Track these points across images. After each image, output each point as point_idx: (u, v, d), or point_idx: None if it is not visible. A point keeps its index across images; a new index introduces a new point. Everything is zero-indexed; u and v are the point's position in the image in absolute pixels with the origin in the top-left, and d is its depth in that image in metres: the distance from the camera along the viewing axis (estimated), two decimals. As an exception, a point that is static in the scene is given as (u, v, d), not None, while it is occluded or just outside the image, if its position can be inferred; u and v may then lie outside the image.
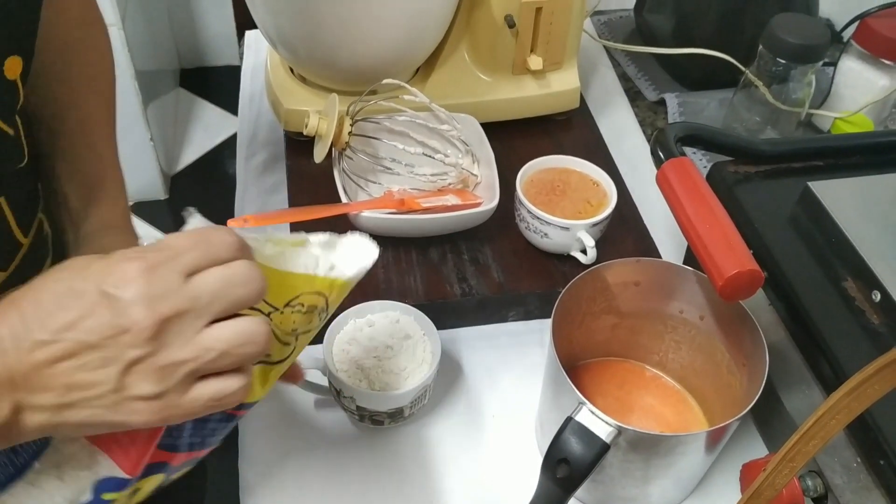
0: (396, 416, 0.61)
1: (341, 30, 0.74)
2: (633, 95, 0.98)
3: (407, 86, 0.73)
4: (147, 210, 1.97)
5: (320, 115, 0.70)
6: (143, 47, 1.85)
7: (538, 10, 0.79)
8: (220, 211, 2.11)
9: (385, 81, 0.74)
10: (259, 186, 0.84)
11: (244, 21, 2.54)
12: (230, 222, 0.62)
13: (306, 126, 0.70)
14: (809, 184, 0.62)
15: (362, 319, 0.64)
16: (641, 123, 0.94)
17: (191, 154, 2.13)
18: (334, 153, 0.72)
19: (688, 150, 0.78)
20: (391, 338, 0.63)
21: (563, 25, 0.82)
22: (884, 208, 0.61)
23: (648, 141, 0.92)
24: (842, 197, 0.61)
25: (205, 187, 2.07)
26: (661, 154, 0.60)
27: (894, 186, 0.63)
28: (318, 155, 0.71)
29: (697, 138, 0.63)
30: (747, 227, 0.62)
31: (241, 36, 2.44)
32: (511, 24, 0.79)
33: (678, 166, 0.56)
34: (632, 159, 0.87)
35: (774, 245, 0.61)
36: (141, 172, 1.93)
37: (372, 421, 0.62)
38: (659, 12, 1.02)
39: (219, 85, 2.34)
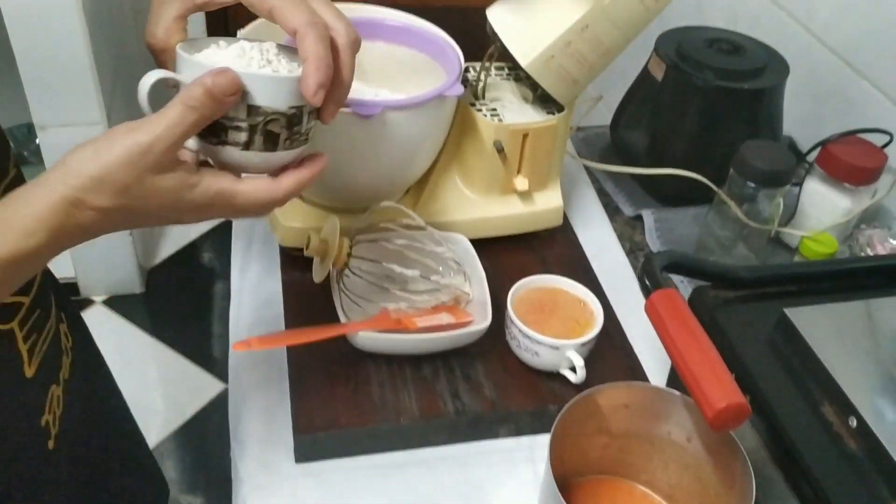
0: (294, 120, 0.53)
1: (337, 158, 0.77)
2: (612, 211, 1.03)
3: (405, 209, 0.77)
4: (123, 304, 1.97)
5: (321, 237, 0.73)
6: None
7: (525, 136, 0.84)
8: (198, 304, 2.11)
9: (383, 204, 0.78)
10: (254, 299, 0.86)
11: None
12: (235, 346, 0.64)
13: (307, 247, 0.73)
14: (786, 310, 0.66)
15: None
16: (620, 237, 0.99)
17: (168, 247, 2.15)
18: (332, 272, 0.75)
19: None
20: None
21: (548, 149, 0.87)
22: (856, 335, 0.65)
23: (627, 255, 0.96)
24: (816, 323, 0.65)
25: (182, 281, 2.07)
26: (647, 283, 0.63)
27: (864, 313, 0.67)
28: (319, 276, 0.73)
29: (681, 266, 0.67)
30: (728, 350, 0.65)
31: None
32: (500, 148, 0.84)
33: (666, 298, 0.60)
34: (613, 274, 0.91)
35: (755, 369, 0.64)
36: (118, 267, 1.93)
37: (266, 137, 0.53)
38: (633, 130, 1.08)
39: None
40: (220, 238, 2.19)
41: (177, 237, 2.18)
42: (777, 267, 0.76)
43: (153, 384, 1.86)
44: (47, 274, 0.68)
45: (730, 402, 0.52)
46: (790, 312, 0.66)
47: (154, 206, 0.50)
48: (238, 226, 0.95)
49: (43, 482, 0.67)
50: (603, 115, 1.14)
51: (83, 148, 0.49)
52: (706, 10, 1.40)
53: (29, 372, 0.62)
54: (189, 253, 2.15)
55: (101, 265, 1.90)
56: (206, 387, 1.83)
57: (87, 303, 1.96)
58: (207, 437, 1.74)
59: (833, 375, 0.61)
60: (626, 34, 0.80)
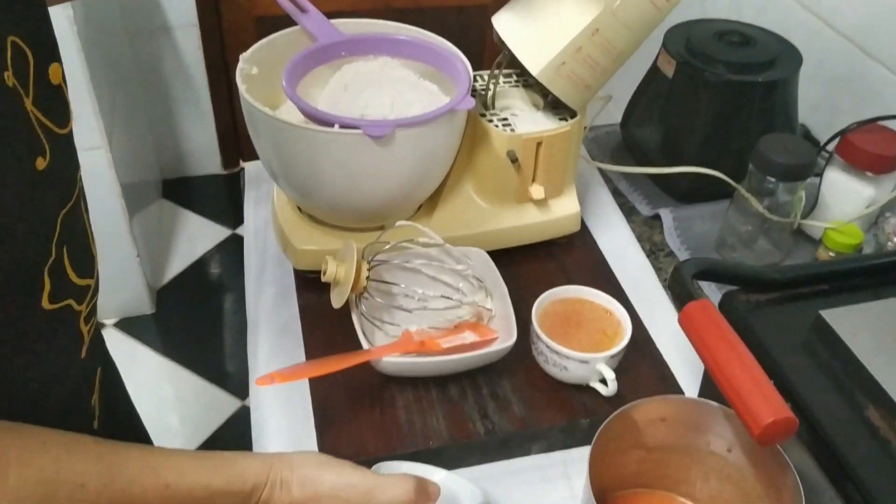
0: None
1: (349, 178, 0.76)
2: (628, 211, 1.01)
3: (421, 227, 0.75)
4: (133, 326, 1.95)
5: (338, 262, 0.72)
6: (127, 162, 1.87)
7: (539, 144, 0.83)
8: (209, 321, 2.10)
9: (399, 224, 0.76)
10: (271, 325, 0.84)
11: (225, 132, 2.59)
12: (258, 382, 0.63)
13: (324, 273, 0.72)
14: (822, 313, 0.64)
15: None
16: (639, 238, 0.97)
17: (176, 266, 2.13)
18: (351, 297, 0.73)
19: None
20: None
21: (562, 156, 0.85)
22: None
23: (648, 256, 0.94)
24: (854, 324, 0.63)
25: (191, 299, 2.06)
26: (679, 292, 0.62)
27: (902, 310, 0.65)
28: (338, 301, 0.72)
29: (711, 273, 0.66)
30: (764, 356, 0.63)
31: (223, 146, 2.48)
32: (514, 158, 0.82)
33: (700, 311, 0.58)
34: (635, 278, 0.89)
35: (793, 374, 0.62)
36: (127, 288, 1.92)
37: None
38: (645, 128, 1.06)
39: (202, 194, 2.36)
40: (228, 253, 2.18)
41: (184, 255, 2.16)
42: (808, 266, 0.74)
43: (169, 404, 1.85)
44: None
45: (777, 417, 0.51)
46: (826, 314, 0.64)
47: None
48: (249, 249, 0.94)
49: None
50: (611, 114, 1.12)
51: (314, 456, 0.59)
52: (711, 2, 1.37)
53: (84, 353, 0.65)
54: (197, 270, 2.13)
55: (109, 287, 1.86)
56: (222, 404, 1.81)
57: (98, 326, 1.94)
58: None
59: (876, 378, 0.59)
60: (637, 36, 0.78)
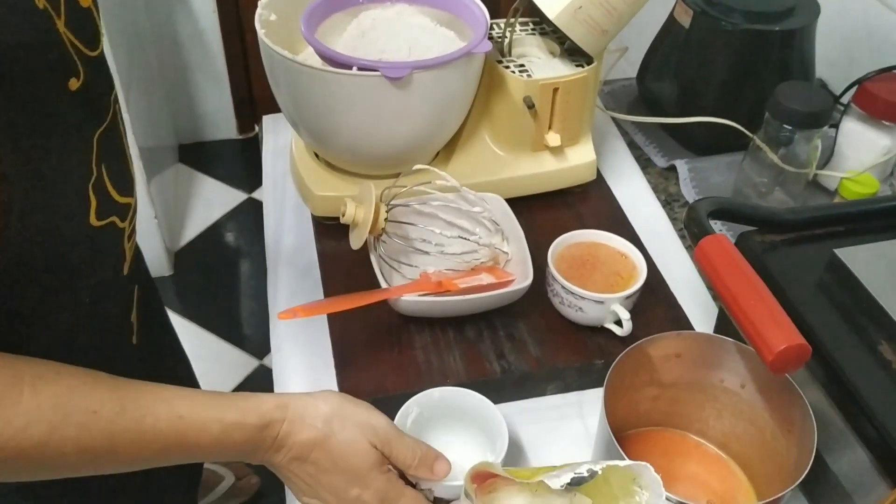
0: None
1: (367, 122, 0.77)
2: (644, 163, 1.02)
3: (438, 171, 0.76)
4: (153, 287, 1.97)
5: (356, 204, 0.72)
6: (144, 125, 1.88)
7: (555, 90, 0.83)
8: (226, 283, 2.12)
9: (416, 168, 0.77)
10: (290, 270, 0.86)
11: (240, 97, 2.59)
12: (280, 315, 0.64)
13: (343, 215, 0.72)
14: (836, 251, 0.65)
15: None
16: (654, 189, 0.97)
17: (193, 229, 2.15)
18: (370, 239, 0.74)
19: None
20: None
21: (578, 103, 0.85)
22: (909, 272, 0.64)
23: (663, 206, 0.95)
24: (868, 262, 0.64)
25: (209, 261, 2.08)
26: (695, 230, 0.62)
27: (917, 249, 0.66)
28: (356, 242, 0.73)
29: (726, 212, 0.66)
30: (778, 293, 0.64)
31: (238, 111, 2.48)
32: (530, 105, 0.82)
33: (715, 243, 0.59)
34: (651, 226, 0.90)
35: (807, 311, 0.63)
36: (145, 250, 1.93)
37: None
38: (661, 80, 1.06)
39: (217, 159, 2.38)
40: (244, 216, 2.19)
41: (201, 218, 2.18)
42: (823, 207, 0.74)
43: (188, 364, 1.88)
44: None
45: (790, 344, 0.51)
46: (840, 252, 0.64)
47: (342, 467, 0.57)
48: (268, 198, 0.95)
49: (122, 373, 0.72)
50: (625, 69, 1.12)
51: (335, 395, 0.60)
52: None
53: (125, 270, 0.68)
54: (214, 233, 2.15)
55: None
56: (241, 364, 1.84)
57: (137, 245, 1.97)
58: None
59: (890, 313, 0.60)
60: (654, -21, 0.78)
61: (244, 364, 1.84)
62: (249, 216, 2.18)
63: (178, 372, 0.96)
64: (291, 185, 0.93)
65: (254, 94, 2.35)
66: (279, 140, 1.03)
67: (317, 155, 0.88)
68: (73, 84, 0.53)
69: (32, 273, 0.55)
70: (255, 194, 2.23)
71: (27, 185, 0.51)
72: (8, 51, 0.46)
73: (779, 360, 0.52)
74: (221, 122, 2.38)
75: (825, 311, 0.63)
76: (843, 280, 0.64)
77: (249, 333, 1.90)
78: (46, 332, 0.60)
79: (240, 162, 2.38)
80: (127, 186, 0.64)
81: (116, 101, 0.63)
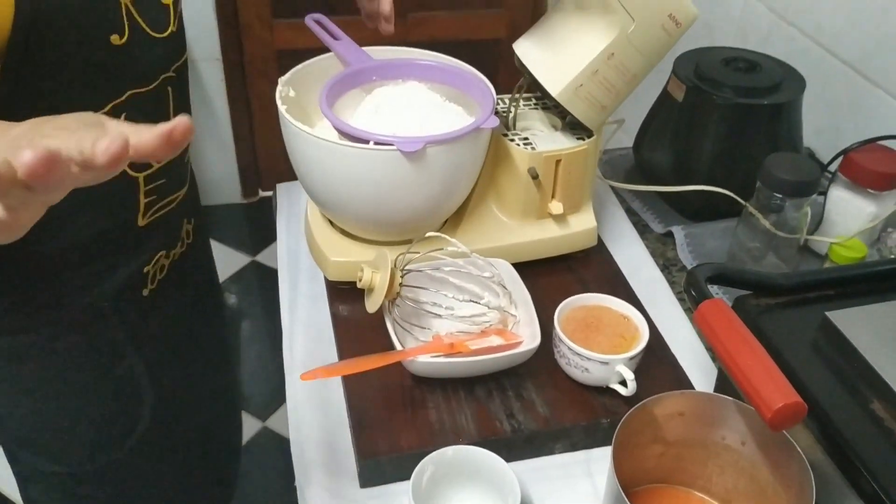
0: None
1: (381, 193, 0.81)
2: (641, 228, 1.06)
3: (449, 238, 0.80)
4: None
5: (373, 269, 0.76)
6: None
7: (558, 162, 0.88)
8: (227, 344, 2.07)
9: (429, 234, 0.81)
10: (304, 332, 0.89)
11: (245, 162, 2.64)
12: (303, 377, 0.67)
13: (360, 280, 0.76)
14: (827, 314, 0.68)
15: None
16: (653, 254, 1.01)
17: (197, 291, 2.18)
18: (384, 302, 0.78)
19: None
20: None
21: (580, 173, 0.90)
22: (897, 333, 0.67)
23: (662, 271, 0.99)
24: (858, 324, 0.68)
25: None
26: (694, 294, 0.66)
27: (903, 312, 0.69)
28: (372, 306, 0.76)
29: (723, 277, 0.70)
30: (774, 354, 0.67)
31: (243, 176, 2.54)
32: (535, 175, 0.87)
33: (714, 307, 0.63)
34: (650, 289, 0.94)
35: (801, 371, 0.66)
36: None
37: None
38: (656, 150, 1.11)
39: (222, 222, 2.43)
40: (248, 279, 2.23)
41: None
42: (814, 272, 0.78)
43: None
44: (187, 173, 0.91)
45: (787, 401, 0.55)
46: (832, 315, 0.68)
47: None
48: (282, 263, 0.99)
49: (131, 322, 0.87)
50: (621, 139, 1.17)
51: None
52: (715, 29, 1.44)
53: (141, 221, 0.80)
54: (217, 296, 2.18)
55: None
56: (245, 426, 1.84)
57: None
58: (252, 475, 1.76)
59: (880, 373, 0.63)
60: (650, 59, 0.84)
61: (248, 426, 1.85)
62: (253, 279, 2.22)
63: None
64: (305, 250, 0.97)
65: (258, 161, 2.41)
66: (292, 207, 1.08)
67: (331, 222, 0.92)
68: (116, 40, 0.68)
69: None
70: (259, 257, 2.27)
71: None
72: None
73: (777, 418, 0.55)
74: (226, 186, 2.44)
75: (819, 370, 0.66)
76: (835, 341, 0.67)
77: (253, 395, 1.91)
78: None
79: (244, 226, 2.43)
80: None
81: (172, 79, 0.78)
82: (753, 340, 0.61)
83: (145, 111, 0.75)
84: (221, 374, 1.12)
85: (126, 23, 0.69)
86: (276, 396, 1.85)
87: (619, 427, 0.62)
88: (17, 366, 0.84)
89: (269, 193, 1.07)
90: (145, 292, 0.86)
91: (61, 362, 0.84)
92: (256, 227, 2.41)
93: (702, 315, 0.63)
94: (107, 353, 0.86)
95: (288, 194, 1.10)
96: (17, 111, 0.57)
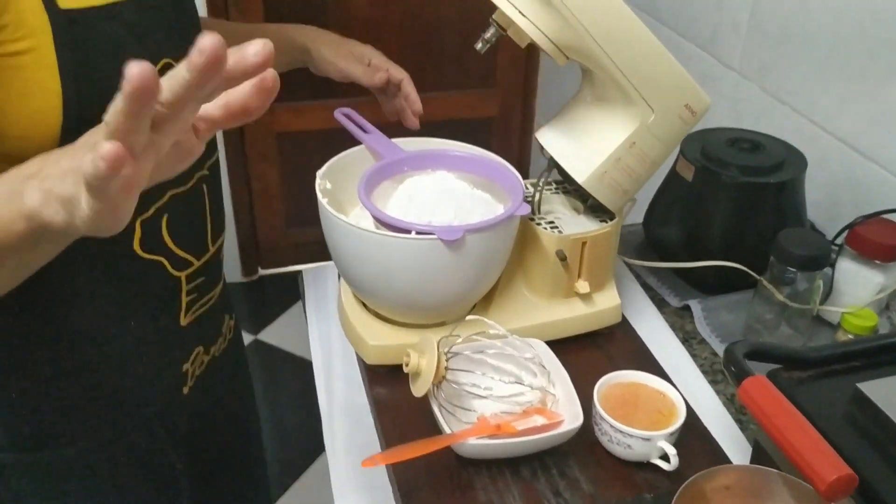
0: None
1: (421, 280, 0.84)
2: (658, 303, 1.10)
3: (489, 321, 0.83)
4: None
5: (419, 353, 0.79)
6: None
7: (583, 244, 0.92)
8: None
9: (469, 318, 0.84)
10: (343, 416, 0.91)
11: (245, 241, 2.65)
12: (364, 464, 0.69)
13: (406, 365, 0.79)
14: (858, 385, 0.72)
15: None
16: (672, 327, 1.05)
17: (200, 372, 2.18)
18: (430, 386, 0.81)
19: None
20: None
21: (604, 253, 0.95)
22: (927, 402, 0.71)
23: (682, 343, 1.02)
24: (889, 393, 0.71)
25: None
26: (734, 371, 0.70)
27: (930, 381, 0.73)
28: (420, 390, 0.79)
29: (758, 353, 0.74)
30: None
31: (243, 255, 2.55)
32: (562, 257, 0.91)
33: (758, 384, 0.66)
34: (674, 363, 0.97)
35: (840, 442, 0.69)
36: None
37: None
38: (667, 226, 1.16)
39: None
40: (251, 358, 2.23)
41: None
42: (841, 345, 0.82)
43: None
44: (222, 268, 0.96)
45: (840, 474, 0.58)
46: (863, 386, 0.72)
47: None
48: (316, 349, 1.01)
49: (171, 422, 0.88)
50: (631, 215, 1.22)
51: None
52: (713, 110, 1.50)
53: (183, 321, 0.83)
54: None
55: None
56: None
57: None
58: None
59: (915, 441, 0.67)
60: (668, 146, 0.89)
61: None
62: (255, 358, 2.22)
63: None
64: (336, 333, 1.00)
65: (258, 239, 2.44)
66: (319, 290, 1.11)
67: (364, 305, 0.95)
68: None
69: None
70: (262, 336, 2.28)
71: None
72: (105, 103, 0.60)
73: (830, 490, 0.58)
74: (227, 265, 2.45)
75: (856, 441, 0.70)
76: (867, 411, 0.71)
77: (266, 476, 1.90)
78: None
79: (245, 304, 2.45)
80: (193, 243, 0.80)
81: (202, 179, 0.81)
82: (798, 414, 0.64)
83: (183, 210, 0.78)
84: (253, 449, 1.13)
85: None
86: (288, 470, 1.85)
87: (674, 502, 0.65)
88: (61, 483, 0.84)
89: (269, 272, 1.11)
90: (185, 390, 0.87)
91: (105, 471, 0.85)
92: (257, 305, 2.42)
93: (746, 391, 0.67)
94: (147, 453, 0.87)
95: (314, 279, 1.13)
96: None
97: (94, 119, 0.65)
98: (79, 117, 0.64)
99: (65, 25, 0.61)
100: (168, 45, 0.71)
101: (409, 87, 1.04)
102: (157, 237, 0.76)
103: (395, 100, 1.05)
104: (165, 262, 0.78)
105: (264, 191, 2.36)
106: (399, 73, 1.04)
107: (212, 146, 0.85)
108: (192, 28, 0.77)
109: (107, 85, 0.65)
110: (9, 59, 0.60)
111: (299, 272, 1.15)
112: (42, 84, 0.61)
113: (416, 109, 0.92)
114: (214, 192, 0.86)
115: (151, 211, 0.75)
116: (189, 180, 0.79)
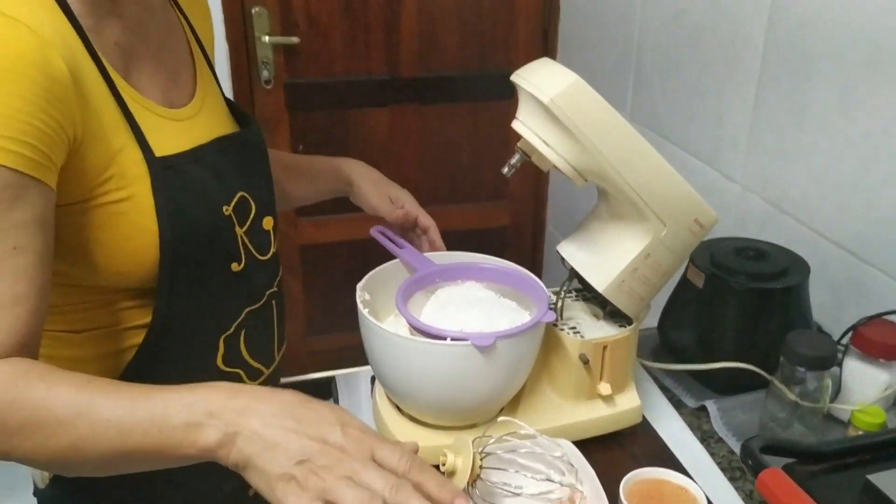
0: None
1: (453, 384, 0.91)
2: (675, 403, 1.15)
3: (519, 422, 0.89)
4: None
5: (455, 453, 0.85)
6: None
7: (605, 348, 0.99)
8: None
9: (501, 419, 0.90)
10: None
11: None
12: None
13: (443, 465, 0.84)
14: (868, 477, 0.77)
15: None
16: (689, 427, 1.10)
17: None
18: (466, 486, 0.86)
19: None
20: None
21: (624, 357, 1.01)
22: (934, 492, 0.76)
23: (700, 442, 1.07)
24: (898, 485, 0.76)
25: None
26: (751, 464, 0.75)
27: (935, 472, 0.78)
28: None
29: (772, 448, 0.79)
30: (827, 518, 0.76)
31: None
32: (585, 361, 0.98)
33: (774, 476, 0.72)
34: (693, 461, 1.01)
35: (854, 532, 0.74)
36: None
37: None
38: (680, 329, 1.23)
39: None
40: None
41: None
42: (850, 440, 0.87)
43: None
44: (279, 379, 1.00)
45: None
46: (873, 478, 0.77)
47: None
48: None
49: None
50: (645, 320, 1.29)
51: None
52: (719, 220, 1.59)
53: None
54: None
55: None
56: None
57: None
58: None
59: (926, 530, 0.72)
60: (679, 257, 0.97)
61: None
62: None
63: None
64: (372, 438, 1.05)
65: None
66: (352, 395, 1.16)
67: (399, 409, 1.01)
68: (235, 267, 0.81)
69: None
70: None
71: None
72: (195, 238, 0.73)
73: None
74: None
75: (870, 530, 0.74)
76: (878, 501, 0.76)
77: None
78: None
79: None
80: (263, 354, 0.88)
81: (271, 296, 0.91)
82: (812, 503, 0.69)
83: (256, 325, 0.86)
84: None
85: (242, 251, 0.81)
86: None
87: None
88: None
89: (289, 379, 1.17)
90: (250, 492, 0.91)
91: None
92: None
93: (763, 483, 0.72)
94: None
95: (346, 383, 1.19)
96: (166, 337, 0.68)
97: (186, 255, 0.74)
98: (173, 253, 0.72)
99: (160, 171, 0.70)
100: (241, 181, 0.81)
101: (434, 234, 1.14)
102: (236, 351, 0.84)
103: (410, 233, 1.15)
104: (243, 374, 0.86)
105: (290, 303, 2.43)
106: (427, 221, 1.14)
107: (278, 265, 0.93)
108: (262, 163, 0.87)
109: (195, 222, 0.75)
110: (113, 206, 0.68)
111: (332, 378, 1.21)
112: (142, 226, 0.70)
113: (439, 247, 1.04)
114: (280, 306, 0.94)
115: (232, 329, 0.83)
116: (262, 297, 0.88)
